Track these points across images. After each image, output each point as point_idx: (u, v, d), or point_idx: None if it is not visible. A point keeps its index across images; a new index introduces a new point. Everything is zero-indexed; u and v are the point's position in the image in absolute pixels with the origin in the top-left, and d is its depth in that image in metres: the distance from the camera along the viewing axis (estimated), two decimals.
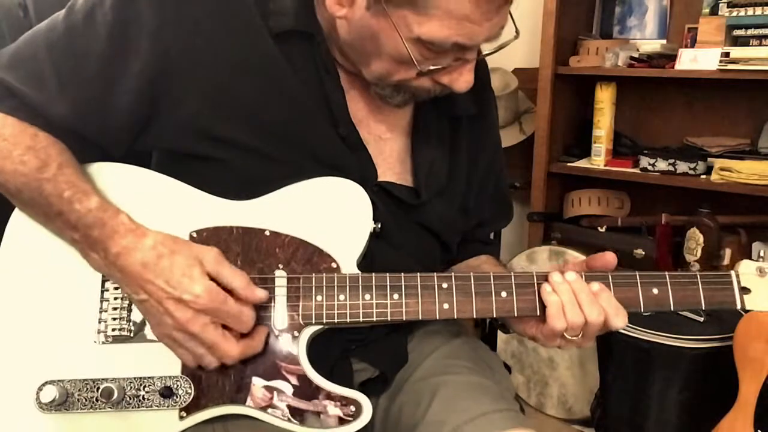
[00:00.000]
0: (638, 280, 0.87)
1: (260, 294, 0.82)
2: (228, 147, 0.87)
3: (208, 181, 0.88)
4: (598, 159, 2.29)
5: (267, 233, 0.86)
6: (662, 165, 2.14)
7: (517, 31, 0.87)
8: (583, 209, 2.39)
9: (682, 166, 2.11)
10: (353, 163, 0.91)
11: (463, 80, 0.85)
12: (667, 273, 0.87)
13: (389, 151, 0.96)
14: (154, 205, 0.87)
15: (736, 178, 1.98)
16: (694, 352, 1.72)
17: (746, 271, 0.88)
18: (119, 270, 0.81)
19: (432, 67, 0.82)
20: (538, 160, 2.35)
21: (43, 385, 0.84)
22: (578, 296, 0.83)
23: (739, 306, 0.87)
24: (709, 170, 2.07)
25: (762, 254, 0.90)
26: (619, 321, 0.83)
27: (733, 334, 1.61)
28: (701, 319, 1.80)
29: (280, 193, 0.88)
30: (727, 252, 2.00)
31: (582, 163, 2.35)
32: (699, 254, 2.02)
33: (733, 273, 0.88)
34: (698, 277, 0.87)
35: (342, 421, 0.83)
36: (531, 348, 2.28)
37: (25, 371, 0.85)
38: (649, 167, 2.17)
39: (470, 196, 1.04)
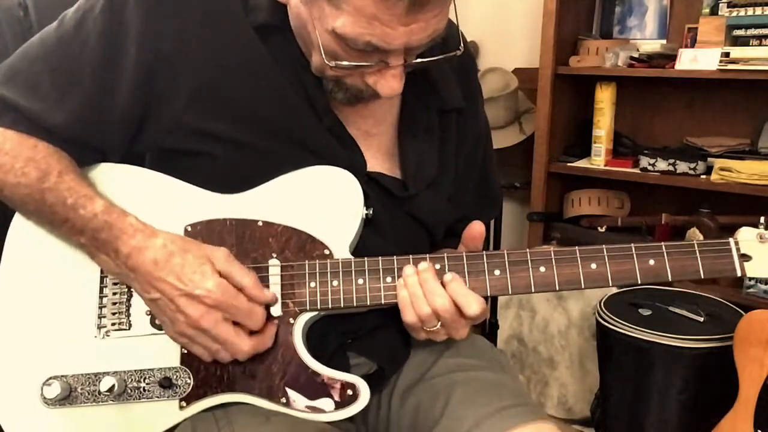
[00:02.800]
0: (633, 252, 0.85)
1: (268, 295, 0.83)
2: (219, 143, 0.87)
3: (201, 177, 0.89)
4: (598, 159, 2.29)
5: (260, 223, 0.87)
6: (662, 165, 2.14)
7: (461, 47, 0.86)
8: (583, 209, 2.39)
9: (682, 166, 2.11)
10: (342, 154, 0.91)
11: (386, 85, 0.83)
12: (663, 243, 0.86)
13: (377, 146, 0.96)
14: (148, 201, 0.88)
15: (736, 178, 1.98)
16: (694, 352, 1.72)
17: (746, 237, 0.86)
18: (131, 270, 0.82)
19: (344, 63, 0.81)
20: (538, 160, 2.35)
21: (47, 380, 0.86)
22: (423, 286, 0.83)
23: (739, 273, 0.85)
24: (709, 170, 2.07)
25: (762, 221, 0.88)
26: (472, 309, 0.82)
27: (733, 334, 1.61)
28: (701, 319, 1.80)
29: (272, 184, 0.89)
30: None
31: (582, 163, 2.35)
32: None
33: (731, 240, 0.86)
34: (696, 246, 0.85)
35: (339, 405, 0.84)
36: (531, 348, 2.28)
37: (29, 368, 0.87)
38: (649, 167, 2.17)
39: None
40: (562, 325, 2.19)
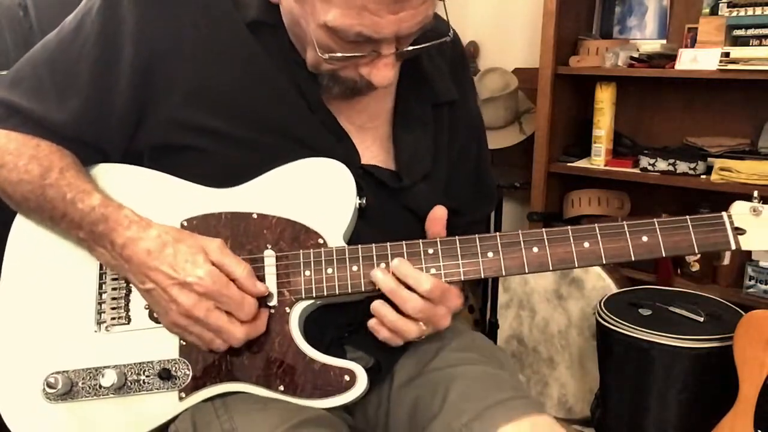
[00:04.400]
0: (626, 230, 0.85)
1: (261, 287, 0.84)
2: (215, 138, 0.89)
3: (198, 172, 0.90)
4: (598, 159, 2.29)
5: (254, 216, 0.88)
6: (662, 165, 2.14)
7: (450, 33, 0.87)
8: (583, 209, 2.39)
9: (682, 166, 2.11)
10: (336, 147, 0.92)
11: (380, 75, 0.85)
12: (655, 219, 0.86)
13: (372, 140, 0.97)
14: (145, 199, 0.89)
15: (736, 178, 1.98)
16: (694, 352, 1.72)
17: (739, 211, 0.86)
18: (126, 260, 0.83)
19: (338, 55, 0.82)
20: (538, 160, 2.36)
21: (49, 376, 0.86)
22: (395, 298, 0.84)
23: (733, 246, 0.85)
24: (709, 170, 2.07)
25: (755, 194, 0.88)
26: (424, 285, 0.84)
27: (733, 334, 1.61)
28: (701, 319, 1.80)
29: (266, 178, 0.90)
30: (727, 252, 2.00)
31: (582, 163, 2.35)
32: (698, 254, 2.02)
33: (724, 214, 0.86)
34: (689, 221, 0.85)
35: (337, 391, 0.85)
36: (531, 348, 2.28)
37: (31, 364, 0.88)
38: (649, 167, 2.17)
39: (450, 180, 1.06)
40: (562, 325, 2.19)
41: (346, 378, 0.85)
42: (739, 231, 0.85)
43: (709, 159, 2.12)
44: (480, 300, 2.42)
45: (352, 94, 0.90)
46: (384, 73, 0.85)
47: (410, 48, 0.86)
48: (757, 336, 1.56)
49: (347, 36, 0.80)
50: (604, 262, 0.86)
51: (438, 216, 0.91)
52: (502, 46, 2.70)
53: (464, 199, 1.08)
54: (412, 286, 0.84)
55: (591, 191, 2.40)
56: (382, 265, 0.86)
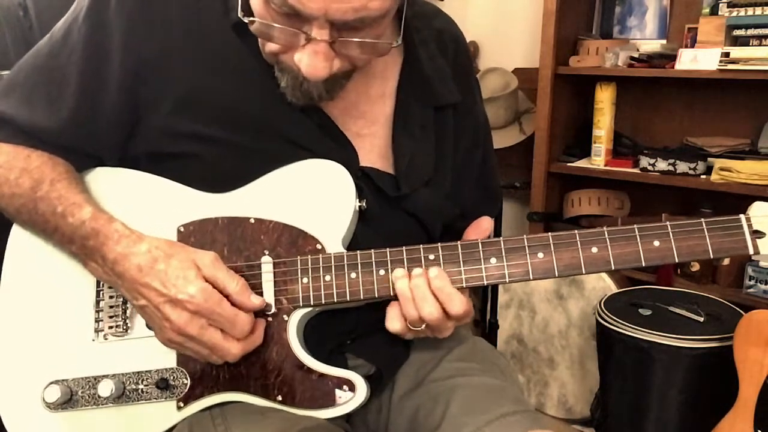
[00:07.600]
0: (637, 234, 0.81)
1: (255, 301, 0.82)
2: (209, 144, 0.87)
3: (194, 178, 0.89)
4: (598, 159, 2.29)
5: (252, 221, 0.87)
6: (662, 165, 2.14)
7: (399, 39, 0.84)
8: (583, 209, 2.39)
9: (682, 166, 2.11)
10: (333, 149, 0.90)
11: (306, 61, 0.78)
12: (668, 223, 0.81)
13: (369, 147, 0.95)
14: (141, 204, 0.88)
15: (736, 178, 1.98)
16: (694, 352, 1.72)
17: (759, 213, 0.81)
18: (118, 276, 0.82)
19: (264, 22, 0.77)
20: (538, 160, 2.36)
21: (48, 385, 0.86)
22: (414, 292, 0.82)
23: (751, 251, 0.79)
24: (709, 170, 2.07)
25: None
26: (455, 308, 0.81)
27: (733, 334, 1.61)
28: (701, 319, 1.80)
29: (263, 181, 0.88)
30: None
31: (582, 163, 2.35)
32: None
33: (742, 217, 0.80)
34: (704, 224, 0.80)
35: (336, 401, 0.84)
36: (531, 348, 2.28)
37: (31, 373, 0.88)
38: (649, 167, 2.17)
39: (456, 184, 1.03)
40: (562, 325, 2.19)
41: (345, 388, 0.84)
42: (758, 234, 0.80)
43: (709, 159, 2.12)
44: (480, 300, 2.42)
45: (302, 96, 0.84)
46: (310, 60, 0.77)
47: (344, 39, 0.78)
48: (757, 336, 1.56)
49: (275, 5, 0.75)
50: (613, 267, 0.82)
51: (482, 229, 0.89)
52: (502, 46, 2.70)
53: (470, 202, 1.06)
54: (442, 302, 0.82)
55: (591, 191, 2.40)
56: (418, 270, 0.83)
